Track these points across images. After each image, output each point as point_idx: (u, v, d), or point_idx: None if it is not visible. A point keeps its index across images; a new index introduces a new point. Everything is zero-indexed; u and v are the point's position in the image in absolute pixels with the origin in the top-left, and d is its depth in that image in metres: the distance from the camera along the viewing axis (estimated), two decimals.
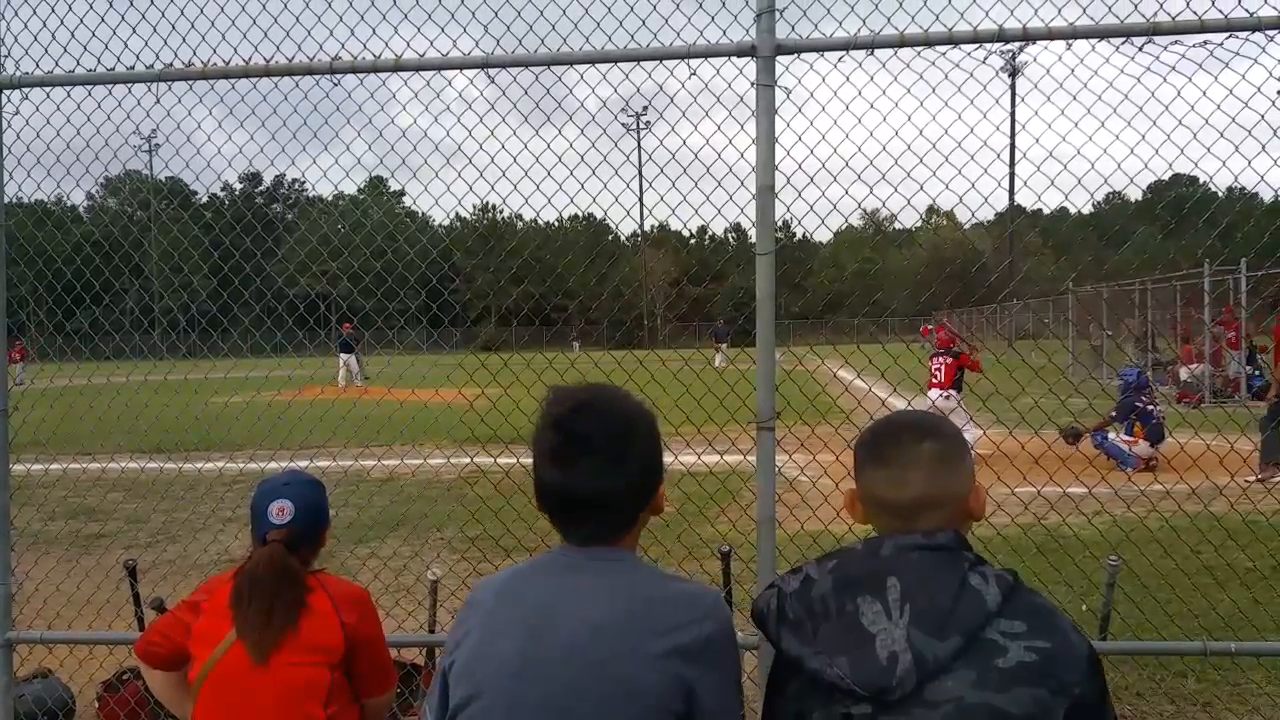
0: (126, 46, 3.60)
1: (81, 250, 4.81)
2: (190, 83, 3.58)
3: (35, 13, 3.65)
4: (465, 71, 3.40)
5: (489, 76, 3.40)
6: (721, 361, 28.21)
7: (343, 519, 8.75)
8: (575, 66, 3.35)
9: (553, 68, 3.36)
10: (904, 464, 1.58)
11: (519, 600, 1.65)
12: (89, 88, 3.67)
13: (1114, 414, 11.32)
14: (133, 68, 3.56)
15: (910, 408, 2.07)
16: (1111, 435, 11.18)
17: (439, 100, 3.58)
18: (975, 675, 1.41)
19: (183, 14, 3.57)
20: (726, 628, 1.64)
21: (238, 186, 72.20)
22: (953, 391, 12.04)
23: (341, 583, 2.52)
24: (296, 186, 78.55)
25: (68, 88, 3.68)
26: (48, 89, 3.69)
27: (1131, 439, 11.08)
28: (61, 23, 3.63)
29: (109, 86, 3.66)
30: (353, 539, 8.12)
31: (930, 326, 13.81)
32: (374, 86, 3.57)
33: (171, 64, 3.53)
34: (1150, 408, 11.17)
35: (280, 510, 2.45)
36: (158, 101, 3.64)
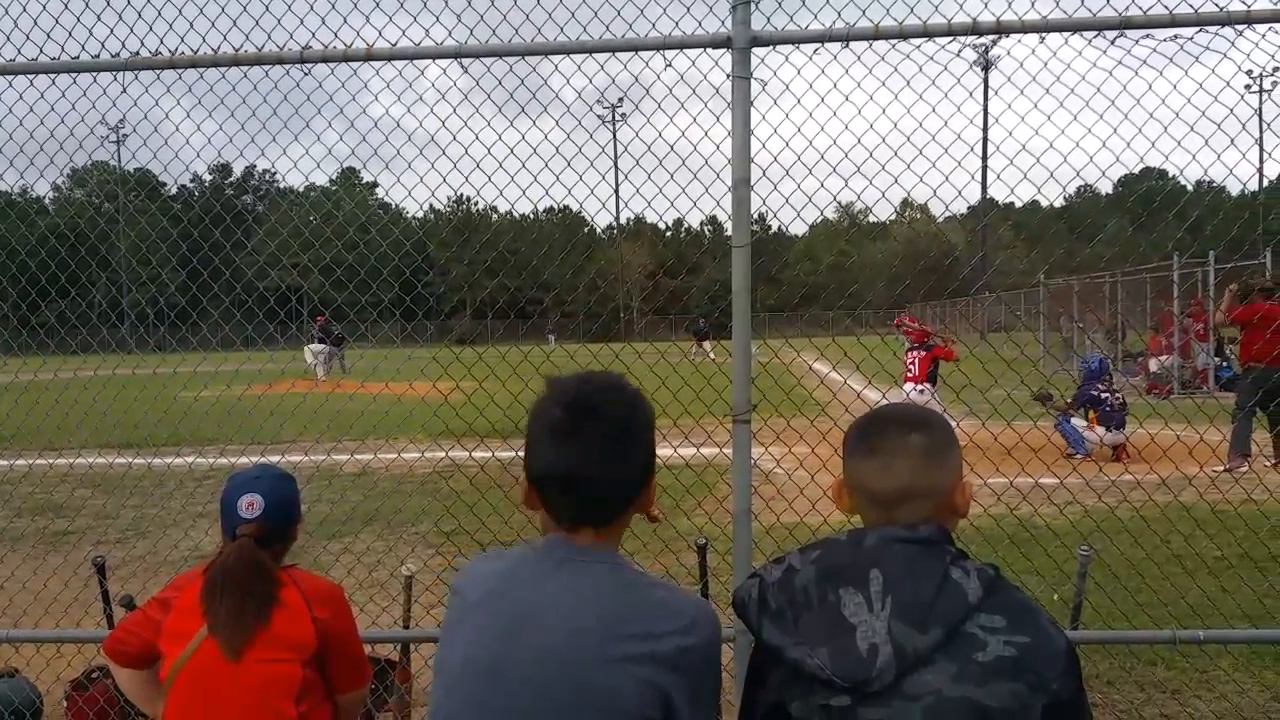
0: (91, 34, 3.53)
1: (47, 242, 4.74)
2: (158, 72, 3.52)
3: None
4: (438, 61, 3.36)
5: (462, 66, 3.36)
6: (701, 356, 28.12)
7: (316, 514, 8.69)
8: (549, 57, 3.32)
9: (527, 58, 3.34)
10: (891, 454, 1.59)
11: (500, 598, 1.62)
12: (53, 76, 3.60)
13: (1071, 401, 11.69)
14: (98, 56, 3.49)
15: (885, 401, 2.08)
16: (1075, 421, 11.49)
17: (412, 90, 3.55)
18: (955, 668, 1.42)
19: (149, 2, 3.50)
20: (712, 641, 1.61)
21: (207, 178, 71.39)
22: (926, 385, 12.22)
23: (314, 579, 2.49)
24: (267, 178, 77.81)
25: (31, 76, 3.61)
26: (10, 77, 3.61)
27: (1088, 424, 11.44)
28: (24, 9, 3.56)
29: (74, 75, 3.59)
30: (326, 534, 8.06)
31: (905, 318, 14.03)
32: (345, 76, 3.52)
33: (138, 52, 3.46)
34: (1104, 395, 11.49)
35: (250, 505, 2.42)
36: (124, 91, 3.58)
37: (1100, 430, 11.28)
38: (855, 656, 1.44)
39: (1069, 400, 11.66)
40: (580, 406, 1.62)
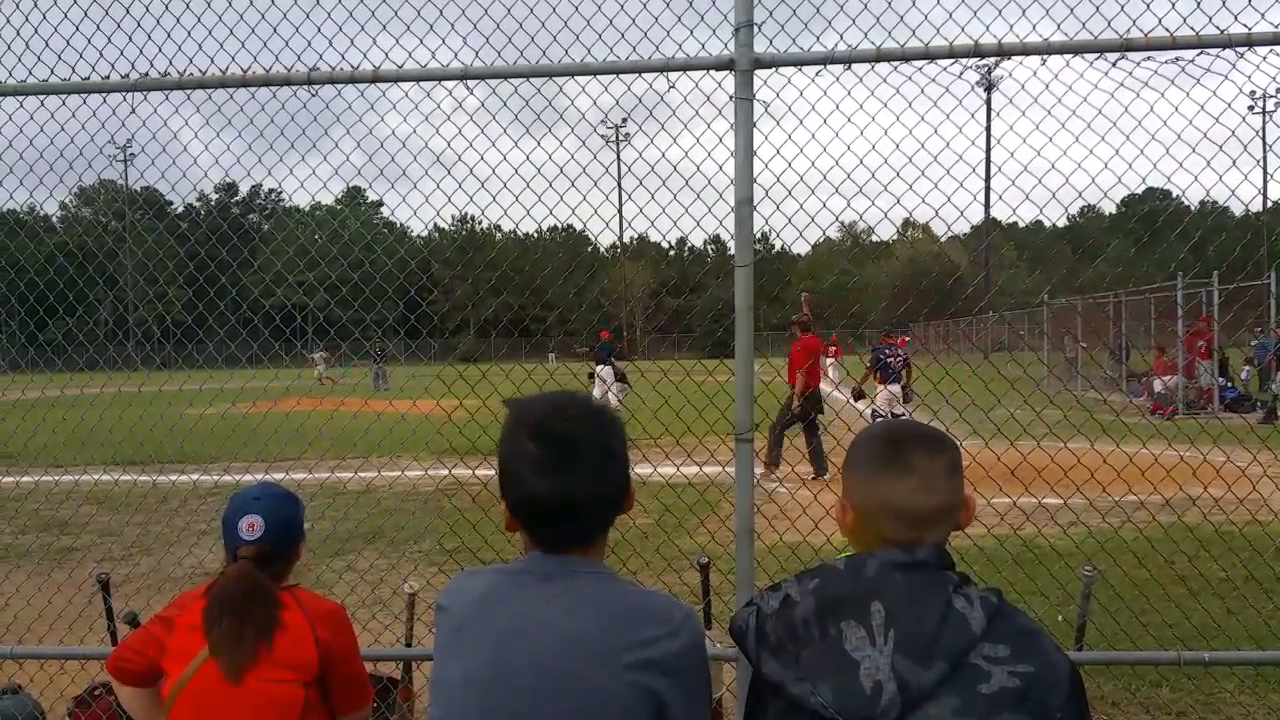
0: (102, 55, 3.57)
1: (55, 260, 4.78)
2: (166, 92, 3.56)
3: (9, 21, 3.62)
4: (444, 83, 3.39)
5: (468, 88, 3.39)
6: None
7: (319, 531, 8.68)
8: (554, 79, 3.35)
9: (532, 80, 3.37)
10: (929, 471, 1.56)
11: (491, 613, 1.63)
12: (63, 97, 3.64)
13: (869, 364, 13.33)
14: (108, 77, 3.53)
15: (885, 417, 2.08)
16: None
17: (418, 111, 3.58)
18: (959, 702, 1.40)
19: (159, 23, 3.54)
20: (699, 642, 1.64)
21: (214, 196, 71.85)
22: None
23: (316, 599, 2.49)
24: (273, 196, 78.23)
25: (41, 97, 3.65)
26: (20, 98, 3.65)
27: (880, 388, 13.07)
28: (35, 31, 3.60)
29: (84, 96, 3.62)
30: (329, 552, 8.06)
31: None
32: (352, 97, 3.56)
33: (147, 73, 3.50)
34: (889, 360, 13.03)
35: (250, 526, 2.41)
36: (133, 111, 3.62)
37: (884, 391, 12.71)
38: (859, 694, 1.42)
39: (868, 364, 13.37)
40: (559, 438, 1.62)
